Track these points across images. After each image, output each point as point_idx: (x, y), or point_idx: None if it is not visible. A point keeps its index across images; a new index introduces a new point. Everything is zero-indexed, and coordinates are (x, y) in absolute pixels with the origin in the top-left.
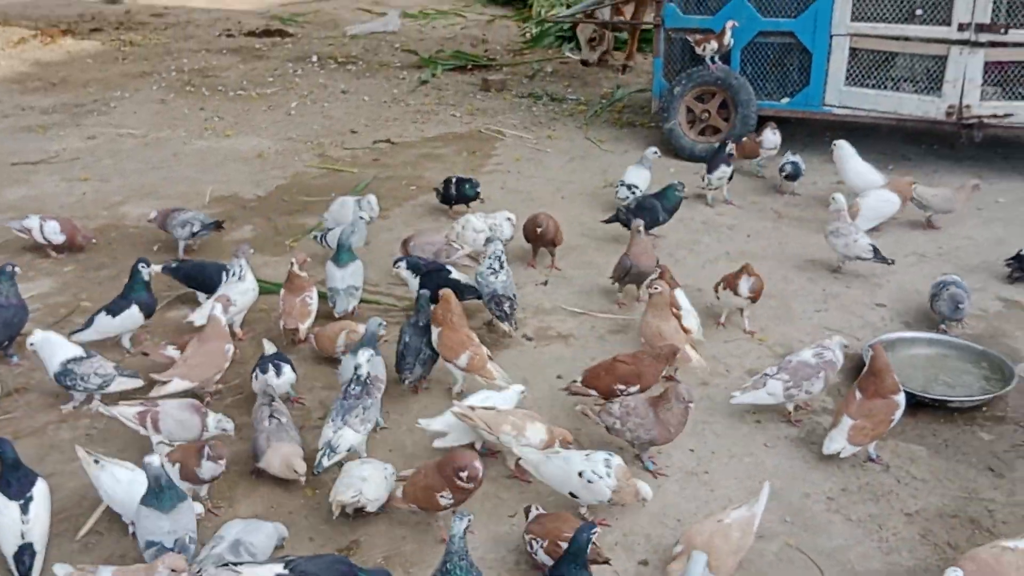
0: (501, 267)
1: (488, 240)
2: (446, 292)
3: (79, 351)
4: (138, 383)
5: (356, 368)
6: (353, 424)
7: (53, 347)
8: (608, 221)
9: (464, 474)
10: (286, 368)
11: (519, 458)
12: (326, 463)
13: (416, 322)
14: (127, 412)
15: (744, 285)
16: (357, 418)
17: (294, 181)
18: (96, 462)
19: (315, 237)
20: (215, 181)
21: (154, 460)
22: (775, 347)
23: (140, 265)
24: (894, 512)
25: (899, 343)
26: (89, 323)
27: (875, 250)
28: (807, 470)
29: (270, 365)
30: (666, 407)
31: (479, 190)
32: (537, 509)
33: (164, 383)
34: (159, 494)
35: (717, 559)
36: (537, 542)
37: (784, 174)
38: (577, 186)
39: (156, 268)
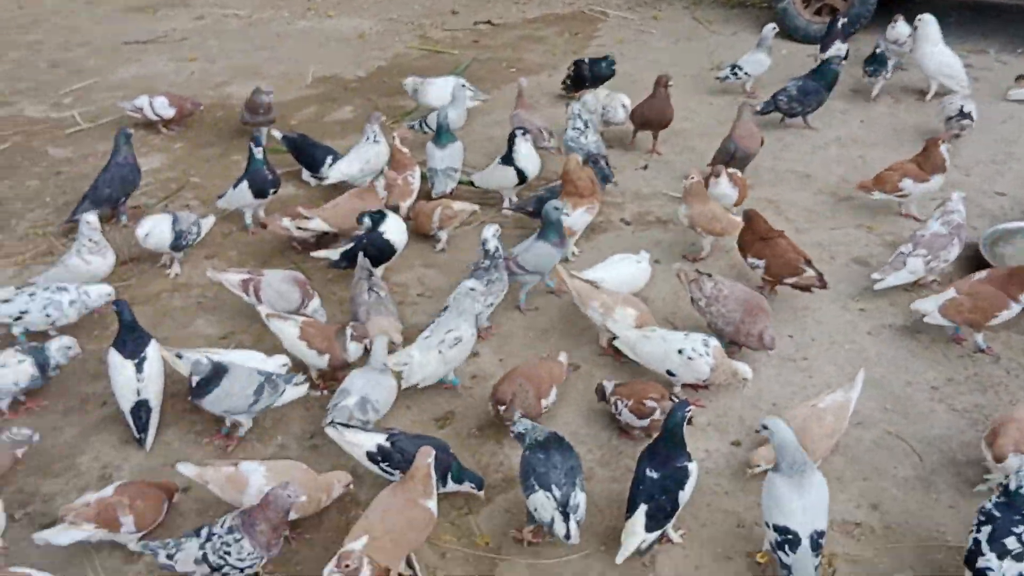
0: (586, 126)
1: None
2: (570, 159)
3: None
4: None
5: (484, 243)
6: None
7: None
8: (763, 112)
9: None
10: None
11: (613, 336)
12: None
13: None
14: (232, 279)
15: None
16: (482, 281)
17: (394, 63)
18: (179, 356)
19: (412, 126)
20: (317, 62)
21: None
22: (884, 235)
23: (251, 143)
24: (1002, 403)
25: (1019, 234)
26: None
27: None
28: (911, 359)
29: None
30: (752, 319)
31: (615, 67)
32: (609, 382)
33: (307, 219)
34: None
35: (811, 442)
36: (622, 402)
37: (954, 117)
38: (682, 68)
39: (277, 134)
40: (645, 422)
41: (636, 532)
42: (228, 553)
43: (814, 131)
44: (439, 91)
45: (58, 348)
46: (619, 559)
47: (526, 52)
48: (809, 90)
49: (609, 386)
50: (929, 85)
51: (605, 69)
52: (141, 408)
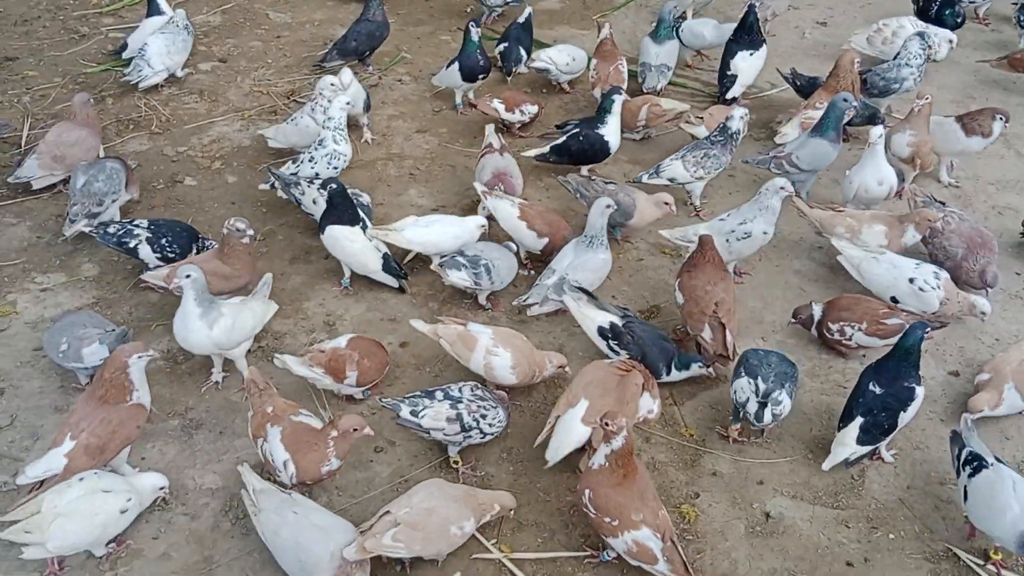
0: None
1: None
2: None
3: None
4: None
5: (727, 120)
6: (687, 160)
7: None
8: None
9: None
10: None
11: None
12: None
13: None
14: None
15: None
16: (693, 157)
17: None
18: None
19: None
20: None
21: None
22: None
23: (471, 24)
24: None
25: None
26: None
27: None
28: None
29: None
30: (975, 256)
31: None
32: (817, 304)
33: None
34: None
35: None
36: (852, 327)
37: None
38: None
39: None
40: (884, 342)
41: (847, 443)
42: (484, 416)
43: None
44: None
45: None
46: (826, 466)
47: None
48: None
49: (818, 309)
50: None
51: (949, 18)
52: (388, 259)
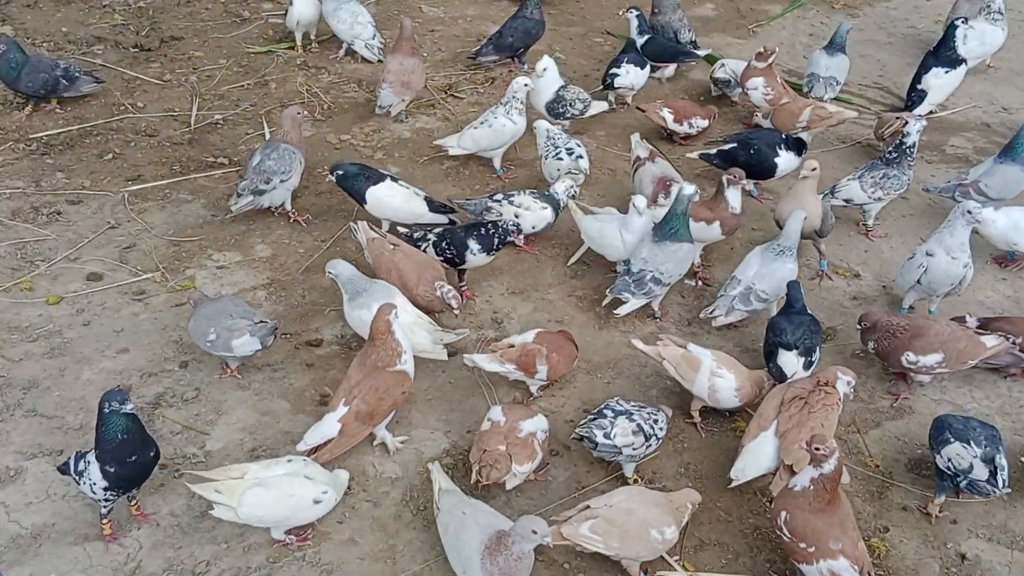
0: None
1: None
2: None
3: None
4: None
5: (906, 135)
6: (865, 180)
7: (548, 81)
8: None
9: None
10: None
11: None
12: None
13: None
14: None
15: None
16: (872, 177)
17: None
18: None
19: None
20: None
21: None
22: None
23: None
24: None
25: None
26: None
27: None
28: None
29: None
30: None
31: None
32: (971, 317)
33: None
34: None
35: None
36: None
37: None
38: None
39: None
40: None
41: None
42: (656, 421)
43: None
44: None
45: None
46: None
47: None
48: None
49: (972, 321)
50: None
51: None
52: (431, 201)
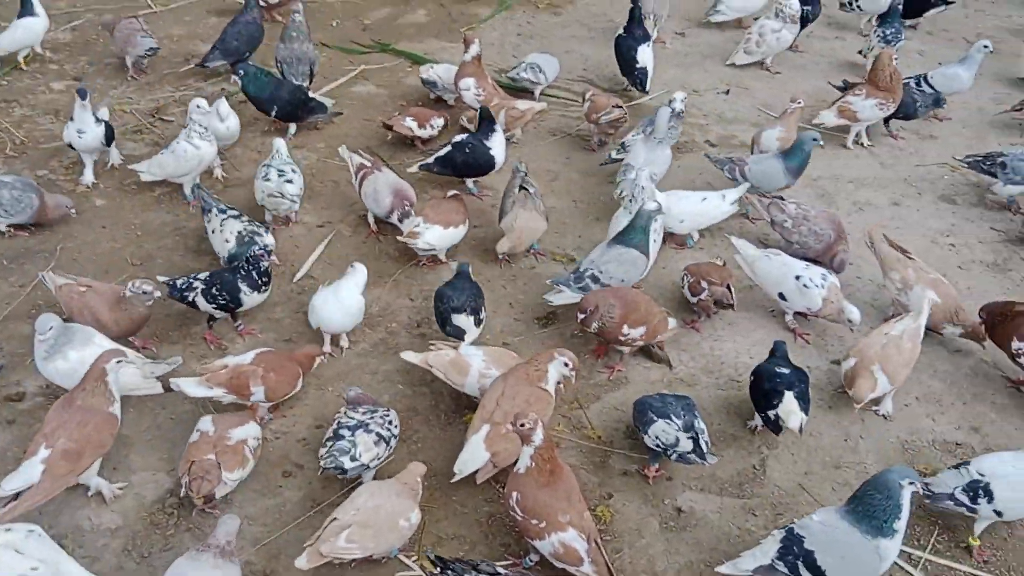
0: None
1: None
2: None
3: None
4: None
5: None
6: None
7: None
8: None
9: None
10: None
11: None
12: None
13: None
14: (355, 161)
15: None
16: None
17: None
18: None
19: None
20: None
21: None
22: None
23: None
24: None
25: None
26: None
27: None
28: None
29: None
30: (843, 247)
31: None
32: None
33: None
34: None
35: (892, 370)
36: (686, 278)
37: None
38: None
39: None
40: None
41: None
42: (390, 421)
43: None
44: None
45: None
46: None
47: None
48: None
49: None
50: None
51: None
52: None
